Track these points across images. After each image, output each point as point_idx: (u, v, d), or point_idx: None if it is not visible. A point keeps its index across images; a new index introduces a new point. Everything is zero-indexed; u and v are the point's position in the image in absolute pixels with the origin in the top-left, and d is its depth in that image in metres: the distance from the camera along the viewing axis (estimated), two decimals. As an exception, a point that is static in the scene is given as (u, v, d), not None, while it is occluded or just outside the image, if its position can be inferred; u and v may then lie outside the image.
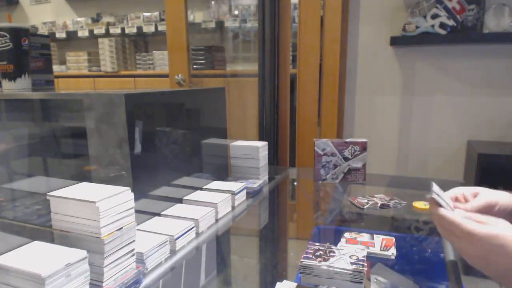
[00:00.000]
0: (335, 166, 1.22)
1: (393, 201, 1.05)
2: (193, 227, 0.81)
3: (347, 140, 1.21)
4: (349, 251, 0.68)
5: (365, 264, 0.63)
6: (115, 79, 3.41)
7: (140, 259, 0.67)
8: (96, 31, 3.49)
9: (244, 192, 1.05)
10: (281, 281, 0.63)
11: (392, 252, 0.75)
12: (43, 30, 3.77)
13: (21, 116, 0.99)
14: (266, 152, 1.18)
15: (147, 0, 3.43)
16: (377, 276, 0.68)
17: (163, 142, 0.87)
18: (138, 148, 0.77)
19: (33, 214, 0.89)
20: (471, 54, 1.88)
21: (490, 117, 1.90)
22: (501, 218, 0.60)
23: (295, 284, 0.61)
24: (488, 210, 0.61)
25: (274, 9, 1.74)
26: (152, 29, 3.30)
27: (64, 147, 0.99)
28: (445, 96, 1.95)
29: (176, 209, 0.88)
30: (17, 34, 0.95)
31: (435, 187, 0.60)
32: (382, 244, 0.78)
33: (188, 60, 2.23)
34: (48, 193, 0.61)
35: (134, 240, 0.64)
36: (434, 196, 0.59)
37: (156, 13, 3.34)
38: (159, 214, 0.85)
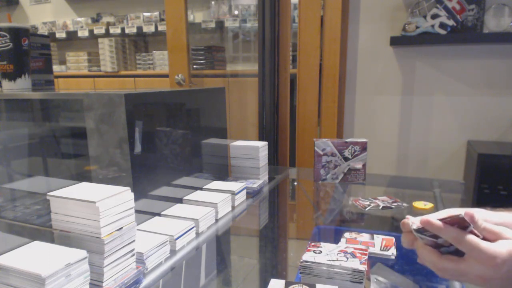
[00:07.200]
0: (335, 166, 1.22)
1: (395, 204, 1.05)
2: (193, 227, 0.81)
3: (347, 140, 1.21)
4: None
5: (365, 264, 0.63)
6: (115, 79, 3.41)
7: (140, 259, 0.67)
8: (96, 31, 3.49)
9: (244, 192, 1.05)
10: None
11: (392, 252, 0.75)
12: (43, 30, 3.76)
13: (21, 116, 0.99)
14: (266, 152, 1.18)
15: (147, 0, 3.43)
16: (377, 276, 0.68)
17: (163, 142, 0.87)
18: (138, 148, 0.77)
19: (33, 214, 0.88)
20: (471, 54, 1.88)
21: (490, 117, 1.89)
22: None
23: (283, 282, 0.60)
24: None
25: (274, 9, 1.74)
26: (152, 29, 3.30)
27: (64, 147, 0.99)
28: (445, 96, 1.95)
29: (176, 209, 0.88)
30: (17, 34, 0.95)
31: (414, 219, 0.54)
32: (382, 244, 0.78)
33: (188, 60, 2.23)
34: (48, 193, 0.61)
35: (134, 240, 0.64)
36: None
37: (156, 13, 3.34)
38: (159, 214, 0.85)
